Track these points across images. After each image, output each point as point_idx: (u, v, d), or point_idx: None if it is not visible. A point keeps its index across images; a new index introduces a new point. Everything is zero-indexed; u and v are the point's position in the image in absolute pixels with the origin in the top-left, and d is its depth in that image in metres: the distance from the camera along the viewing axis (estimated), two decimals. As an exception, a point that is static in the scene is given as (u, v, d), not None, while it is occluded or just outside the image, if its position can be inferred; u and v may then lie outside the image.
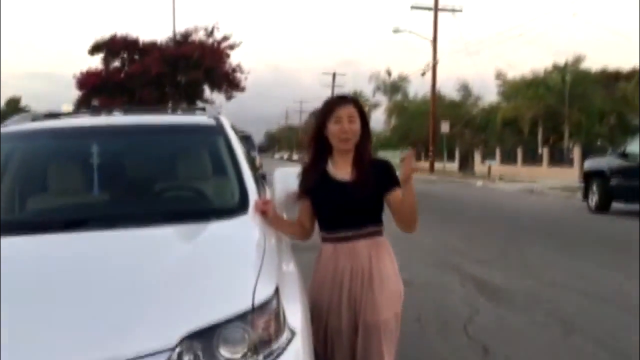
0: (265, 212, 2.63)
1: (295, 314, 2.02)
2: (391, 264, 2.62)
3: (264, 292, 1.88)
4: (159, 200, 2.90)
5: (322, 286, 2.58)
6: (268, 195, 3.34)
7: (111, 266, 2.02)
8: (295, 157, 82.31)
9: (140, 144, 3.27)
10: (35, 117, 3.55)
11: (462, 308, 5.38)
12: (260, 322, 1.81)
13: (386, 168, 2.62)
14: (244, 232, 2.45)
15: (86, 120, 3.62)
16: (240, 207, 2.64)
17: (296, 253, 2.92)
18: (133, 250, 2.17)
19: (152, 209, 2.78)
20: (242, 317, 1.79)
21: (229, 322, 1.77)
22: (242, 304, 1.81)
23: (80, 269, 2.00)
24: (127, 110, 3.93)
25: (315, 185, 2.62)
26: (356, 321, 2.52)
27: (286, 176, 2.99)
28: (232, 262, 2.07)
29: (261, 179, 4.02)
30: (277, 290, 1.95)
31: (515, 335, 4.63)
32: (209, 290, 1.87)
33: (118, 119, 3.62)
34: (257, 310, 1.82)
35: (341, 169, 2.61)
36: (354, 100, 2.65)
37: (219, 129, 3.25)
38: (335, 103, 2.62)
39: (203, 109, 3.73)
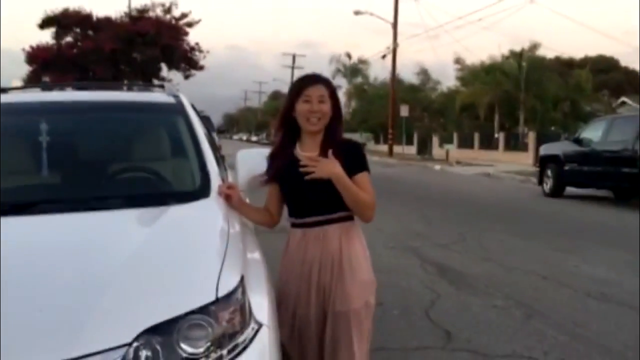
0: (230, 197, 2.49)
1: (262, 305, 1.90)
2: (362, 250, 2.52)
3: (228, 282, 1.74)
4: (114, 182, 2.71)
5: (290, 274, 2.47)
6: (230, 178, 3.20)
7: (60, 255, 1.85)
8: (254, 138, 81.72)
9: (93, 122, 3.07)
10: None
11: (424, 292, 5.37)
12: (224, 314, 1.68)
13: (354, 149, 2.50)
14: (206, 217, 2.30)
15: (35, 96, 3.40)
16: (201, 190, 2.49)
17: (261, 236, 2.80)
18: (84, 237, 2.01)
19: (106, 192, 2.60)
20: (204, 310, 1.65)
21: (190, 314, 1.63)
22: (205, 295, 1.68)
23: (24, 258, 1.82)
24: (80, 87, 3.70)
25: (283, 169, 2.49)
26: (325, 310, 2.42)
27: (250, 158, 2.86)
28: (193, 250, 1.92)
29: (223, 161, 3.87)
30: (242, 280, 1.82)
31: (476, 319, 4.64)
32: (168, 280, 1.72)
33: (70, 94, 3.41)
34: (220, 301, 1.68)
35: (309, 151, 2.48)
36: (325, 80, 2.52)
37: (178, 108, 3.08)
38: (304, 82, 2.49)
39: (161, 87, 3.54)
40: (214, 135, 18.37)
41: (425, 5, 43.61)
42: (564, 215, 10.84)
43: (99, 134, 3.06)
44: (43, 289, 1.65)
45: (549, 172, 13.71)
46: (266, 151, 2.98)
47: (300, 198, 2.48)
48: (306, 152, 2.47)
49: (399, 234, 8.42)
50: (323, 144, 2.46)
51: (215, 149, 3.85)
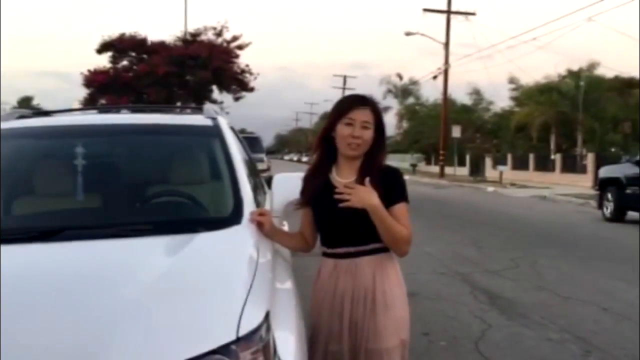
0: (261, 224, 2.37)
1: (288, 343, 1.76)
2: (398, 285, 2.35)
3: (251, 319, 1.61)
4: (145, 207, 2.64)
5: (322, 307, 2.33)
6: (268, 203, 3.10)
7: (74, 287, 1.76)
8: (304, 159, 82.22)
9: (129, 145, 3.03)
10: (22, 115, 3.34)
11: (473, 322, 5.12)
12: (246, 354, 1.55)
13: (393, 177, 2.34)
14: (234, 245, 2.19)
15: (73, 119, 3.40)
16: (233, 217, 2.38)
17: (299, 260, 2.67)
18: (103, 268, 1.92)
19: (136, 217, 2.53)
20: (224, 349, 1.53)
21: (209, 354, 1.51)
22: (225, 333, 1.55)
23: (37, 289, 1.74)
24: (134, 109, 3.71)
25: (317, 194, 2.35)
26: (358, 347, 2.26)
27: (287, 181, 2.76)
28: (216, 283, 1.80)
29: (263, 185, 3.78)
30: (267, 316, 1.69)
31: (529, 353, 4.37)
32: (187, 316, 1.61)
33: (107, 117, 3.40)
34: (242, 340, 1.55)
35: (346, 177, 2.33)
36: (372, 104, 2.34)
37: (215, 131, 3.00)
38: (350, 103, 2.32)
39: (200, 109, 3.49)
40: (263, 155, 18.61)
41: (477, 26, 43.18)
42: (625, 241, 10.29)
43: (133, 158, 3.02)
44: (52, 326, 1.56)
45: (609, 196, 13.12)
46: (302, 175, 2.86)
47: (332, 226, 2.35)
48: (342, 177, 2.34)
49: (449, 259, 8.14)
50: (361, 170, 2.31)
51: (255, 172, 3.77)
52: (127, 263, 1.96)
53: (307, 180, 2.43)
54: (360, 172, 2.30)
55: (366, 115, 2.29)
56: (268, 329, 1.67)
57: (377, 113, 2.34)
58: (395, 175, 2.35)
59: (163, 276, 1.79)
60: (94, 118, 3.42)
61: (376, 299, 2.27)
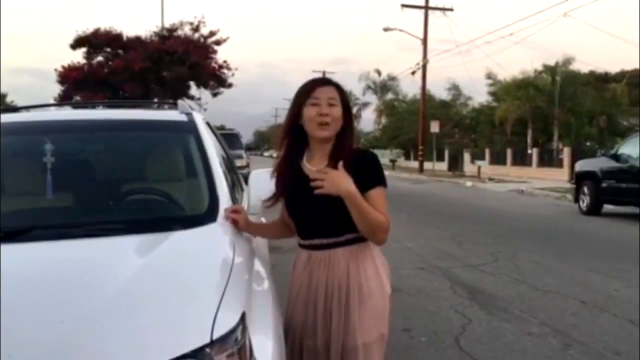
0: (236, 221, 2.30)
1: (265, 345, 1.70)
2: (375, 277, 2.22)
3: (226, 321, 1.55)
4: (118, 205, 2.57)
5: (296, 300, 2.25)
6: (245, 199, 3.03)
7: (41, 290, 1.68)
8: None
9: (100, 141, 2.95)
10: None
11: (454, 317, 5.11)
12: (221, 357, 1.49)
13: (369, 160, 2.21)
14: (209, 244, 2.11)
15: (43, 115, 3.29)
16: (208, 214, 2.30)
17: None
18: (69, 269, 1.84)
19: (108, 216, 2.45)
20: (198, 353, 1.46)
21: (181, 358, 1.44)
22: (199, 336, 1.48)
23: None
24: (109, 105, 3.60)
25: (290, 185, 2.25)
26: (333, 343, 2.17)
27: (263, 177, 2.70)
28: (189, 283, 1.73)
29: (240, 182, 3.72)
30: (243, 318, 1.62)
31: (510, 347, 4.36)
32: (158, 319, 1.54)
33: (78, 113, 3.30)
34: (216, 343, 1.49)
35: (318, 164, 2.22)
36: (335, 83, 2.25)
37: (190, 126, 2.92)
38: (312, 83, 2.23)
39: (173, 103, 3.40)
40: (242, 152, 18.50)
41: (455, 21, 43.37)
42: (602, 234, 10.41)
43: (105, 154, 2.94)
44: (16, 330, 1.48)
45: (585, 189, 13.26)
46: None
47: (306, 217, 2.24)
48: (314, 164, 2.23)
49: (428, 254, 8.14)
50: (332, 153, 2.19)
51: (232, 169, 3.69)
52: (95, 264, 1.88)
53: (278, 172, 2.32)
54: (331, 156, 2.19)
55: (331, 92, 2.19)
56: (244, 330, 1.61)
57: (341, 91, 2.24)
58: (369, 158, 2.23)
59: (134, 278, 1.71)
60: (63, 114, 3.32)
61: (350, 292, 2.16)
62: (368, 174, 2.15)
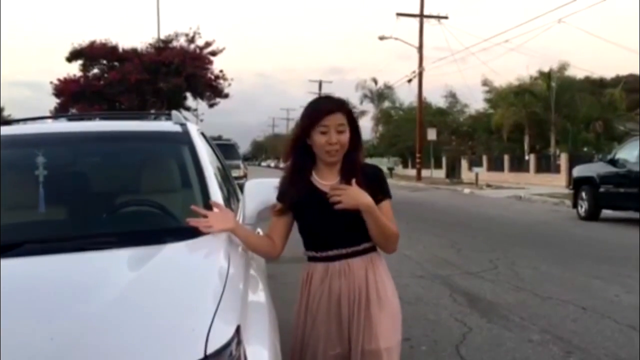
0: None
1: (261, 356, 1.67)
2: (389, 283, 2.35)
3: (220, 335, 1.51)
4: (112, 218, 2.53)
5: (317, 313, 2.28)
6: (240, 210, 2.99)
7: (30, 306, 1.64)
8: (282, 165, 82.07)
9: (93, 153, 2.91)
10: None
11: (454, 325, 5.07)
12: None
13: (375, 175, 2.34)
14: (203, 256, 2.08)
15: (36, 128, 3.27)
16: None
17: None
18: (60, 284, 1.80)
19: (101, 229, 2.41)
20: None
21: None
22: (192, 351, 1.44)
23: None
24: (105, 117, 3.56)
25: (301, 199, 2.29)
26: (356, 349, 2.23)
27: (259, 187, 2.68)
28: (183, 296, 1.69)
29: (236, 192, 3.69)
30: (238, 331, 1.59)
31: (511, 355, 4.32)
32: (150, 334, 1.50)
33: (71, 125, 3.27)
34: (210, 358, 1.45)
35: (328, 179, 2.30)
36: (342, 106, 2.30)
37: (184, 137, 2.89)
38: (320, 111, 2.27)
39: (169, 115, 3.38)
40: (239, 162, 18.47)
41: (450, 29, 43.47)
42: (601, 239, 10.38)
43: (98, 166, 2.90)
44: (5, 346, 1.43)
45: (583, 195, 13.26)
46: (275, 181, 2.78)
47: (323, 230, 2.30)
48: (325, 179, 2.31)
49: (427, 262, 8.10)
50: (343, 171, 2.30)
51: (228, 179, 3.67)
52: (86, 279, 1.84)
53: (286, 186, 2.36)
54: (342, 174, 2.29)
55: (339, 118, 2.25)
56: (239, 344, 1.57)
57: (349, 113, 2.31)
58: (375, 172, 2.36)
59: (125, 292, 1.68)
60: (57, 126, 3.29)
61: (370, 298, 2.25)
62: (377, 188, 2.27)
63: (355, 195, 2.15)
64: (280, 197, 2.36)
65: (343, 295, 2.24)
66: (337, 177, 2.30)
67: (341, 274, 2.26)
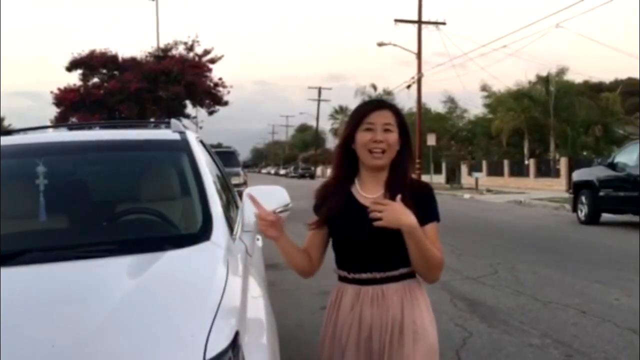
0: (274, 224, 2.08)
1: (260, 363, 1.69)
2: (427, 313, 2.10)
3: (218, 342, 1.52)
4: (111, 226, 2.55)
5: (347, 343, 2.07)
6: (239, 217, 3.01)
7: (31, 313, 1.66)
8: (282, 171, 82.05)
9: (93, 162, 2.93)
10: None
11: (454, 330, 5.07)
12: None
13: (425, 193, 2.09)
14: (202, 263, 2.09)
15: (35, 137, 3.29)
16: (202, 232, 2.28)
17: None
18: (59, 293, 1.81)
19: (101, 237, 2.43)
20: None
21: None
22: (191, 358, 1.46)
23: None
24: (105, 126, 3.57)
25: (338, 212, 2.07)
26: None
27: (258, 195, 2.69)
28: (181, 303, 1.71)
29: (236, 200, 3.70)
30: (236, 338, 1.60)
31: (511, 359, 4.33)
32: (149, 340, 1.51)
33: (71, 134, 3.29)
34: None
35: (371, 192, 2.07)
36: (392, 106, 2.10)
37: (182, 145, 2.91)
38: (367, 107, 2.09)
39: (168, 123, 3.41)
40: (239, 169, 18.50)
41: (448, 35, 43.61)
42: (601, 243, 10.39)
43: (98, 175, 2.92)
44: (5, 354, 1.45)
45: (583, 199, 13.27)
46: (274, 188, 2.79)
47: (356, 249, 2.07)
48: (367, 192, 2.08)
49: (428, 268, 8.09)
50: (390, 183, 2.06)
51: (228, 187, 3.68)
52: (85, 287, 1.85)
53: (324, 197, 2.14)
54: (388, 187, 2.06)
55: (387, 117, 2.04)
56: (237, 351, 1.58)
57: (399, 115, 2.08)
58: (426, 190, 2.12)
59: (124, 299, 1.69)
60: (57, 135, 3.31)
61: (404, 329, 2.02)
62: (425, 208, 2.05)
63: (399, 213, 1.91)
64: (316, 209, 2.16)
65: (375, 327, 2.03)
66: (381, 190, 2.07)
67: (374, 301, 2.04)
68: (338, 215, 2.08)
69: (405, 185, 2.05)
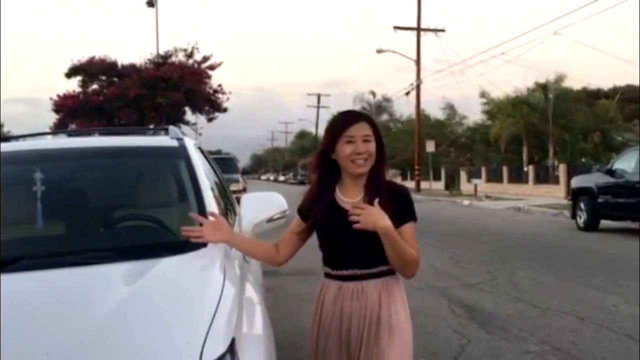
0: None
1: (256, 369, 1.69)
2: (403, 310, 2.26)
3: (214, 348, 1.52)
4: (109, 233, 2.55)
5: (329, 334, 2.24)
6: (236, 222, 3.01)
7: (25, 321, 1.66)
8: (281, 178, 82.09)
9: (90, 169, 2.94)
10: None
11: (452, 337, 5.07)
12: None
13: (401, 195, 2.25)
14: (198, 269, 2.10)
15: (33, 144, 3.30)
16: None
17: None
18: (52, 300, 1.81)
19: (98, 244, 2.43)
20: None
21: None
22: None
23: None
24: (105, 132, 3.58)
25: (323, 215, 2.24)
26: None
27: (255, 201, 2.71)
28: (177, 310, 1.71)
29: (234, 206, 3.71)
30: (232, 344, 1.60)
31: (509, 367, 4.33)
32: (145, 347, 1.51)
33: (68, 141, 3.30)
34: None
35: (351, 196, 2.23)
36: (367, 117, 2.27)
37: (180, 151, 2.92)
38: (345, 120, 2.22)
39: (166, 130, 3.42)
40: (238, 176, 18.51)
41: (447, 41, 43.81)
42: (600, 250, 10.38)
43: (95, 182, 2.93)
44: None
45: (582, 205, 13.27)
46: (271, 195, 2.81)
47: (338, 248, 2.24)
48: (348, 196, 2.24)
49: (426, 273, 8.06)
50: (368, 188, 2.22)
51: (226, 194, 3.69)
52: (81, 293, 1.85)
53: (310, 202, 2.30)
54: (367, 191, 2.22)
55: (365, 128, 2.20)
56: (234, 357, 1.58)
57: (374, 125, 2.25)
58: (403, 193, 2.28)
59: (120, 306, 1.69)
60: (55, 142, 3.32)
61: (381, 323, 2.17)
62: (401, 209, 2.20)
63: (374, 217, 2.07)
64: (300, 211, 2.33)
65: (354, 319, 2.18)
66: (361, 194, 2.23)
67: (353, 296, 2.20)
68: (323, 218, 2.25)
69: (382, 189, 2.21)
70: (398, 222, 2.15)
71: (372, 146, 2.20)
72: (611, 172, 12.67)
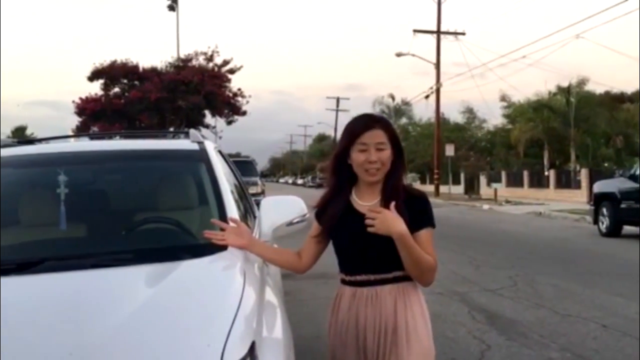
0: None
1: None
2: (421, 315, 2.20)
3: (235, 352, 1.53)
4: (130, 235, 2.57)
5: (345, 341, 2.20)
6: (256, 226, 3.02)
7: (48, 321, 1.68)
8: (299, 181, 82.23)
9: (112, 172, 2.97)
10: (6, 144, 3.27)
11: (472, 343, 5.02)
12: None
13: (419, 201, 2.21)
14: (218, 273, 2.11)
15: (57, 147, 3.34)
16: None
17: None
18: (75, 302, 1.83)
19: (120, 246, 2.46)
20: None
21: None
22: None
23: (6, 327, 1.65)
24: (126, 135, 3.62)
25: (338, 219, 2.21)
26: None
27: (275, 204, 2.72)
28: (198, 313, 1.72)
29: (253, 209, 3.72)
30: (252, 348, 1.60)
31: (530, 374, 4.28)
32: (166, 350, 1.52)
33: (91, 144, 3.34)
34: None
35: (367, 200, 2.21)
36: (383, 122, 2.22)
37: (201, 155, 2.94)
38: (359, 127, 2.18)
39: (187, 133, 3.45)
40: (257, 179, 18.59)
41: (467, 45, 43.65)
42: (622, 256, 10.23)
43: (117, 185, 2.96)
44: None
45: (604, 211, 13.10)
46: (290, 198, 2.81)
47: (353, 253, 2.20)
48: (364, 200, 2.21)
49: (445, 279, 8.03)
50: (385, 192, 2.19)
51: (245, 196, 3.70)
52: (103, 295, 1.87)
53: (325, 205, 2.28)
54: (384, 195, 2.18)
55: (378, 136, 2.15)
56: (253, 360, 1.59)
57: (390, 130, 2.21)
58: (421, 198, 2.23)
59: (141, 308, 1.70)
60: (77, 145, 3.37)
61: (398, 330, 2.12)
62: (418, 215, 2.16)
63: (389, 221, 2.03)
64: (317, 216, 2.30)
65: (369, 326, 2.14)
66: (377, 198, 2.19)
67: (368, 302, 2.15)
68: (338, 221, 2.22)
69: (399, 193, 2.17)
70: (415, 227, 2.11)
71: (385, 154, 2.15)
72: (634, 178, 12.49)
